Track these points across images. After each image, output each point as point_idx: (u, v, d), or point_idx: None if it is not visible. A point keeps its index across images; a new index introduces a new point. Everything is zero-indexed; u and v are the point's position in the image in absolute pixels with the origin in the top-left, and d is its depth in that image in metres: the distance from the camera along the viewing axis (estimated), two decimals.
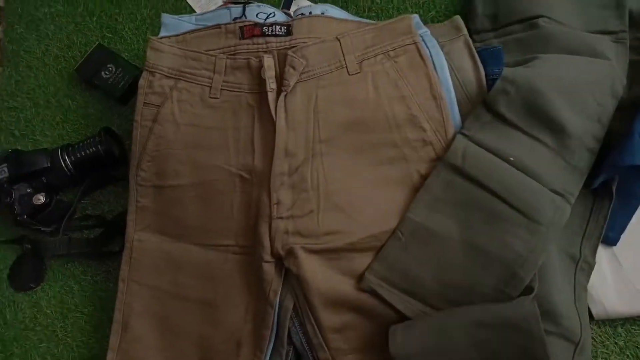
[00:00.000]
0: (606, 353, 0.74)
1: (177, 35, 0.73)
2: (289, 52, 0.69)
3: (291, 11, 0.78)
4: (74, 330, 0.81)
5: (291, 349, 0.68)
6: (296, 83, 0.69)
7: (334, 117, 0.70)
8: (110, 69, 0.85)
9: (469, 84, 0.74)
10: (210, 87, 0.71)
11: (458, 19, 0.81)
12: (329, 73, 0.70)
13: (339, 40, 0.70)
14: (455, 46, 0.76)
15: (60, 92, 0.90)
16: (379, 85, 0.70)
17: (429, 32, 0.75)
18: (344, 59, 0.71)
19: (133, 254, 0.71)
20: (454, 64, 0.75)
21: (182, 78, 0.72)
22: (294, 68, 0.68)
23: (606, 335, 0.74)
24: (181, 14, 0.88)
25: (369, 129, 0.69)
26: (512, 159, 0.65)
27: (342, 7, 0.78)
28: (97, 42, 0.89)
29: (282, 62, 0.69)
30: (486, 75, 0.75)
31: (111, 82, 0.85)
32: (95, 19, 0.92)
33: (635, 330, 0.74)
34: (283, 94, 0.68)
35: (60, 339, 0.81)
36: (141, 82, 0.72)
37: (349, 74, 0.70)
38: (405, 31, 0.72)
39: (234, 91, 0.71)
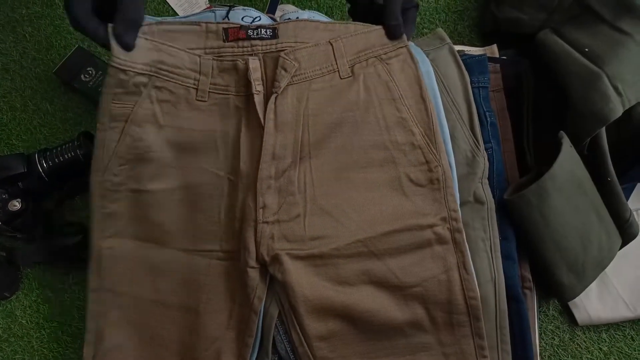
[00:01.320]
0: (590, 358, 0.74)
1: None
2: (281, 54, 0.68)
3: (276, 16, 0.77)
4: (51, 341, 0.79)
5: (276, 357, 0.67)
6: (287, 85, 0.68)
7: (324, 120, 0.69)
8: (90, 72, 0.84)
9: (455, 91, 0.74)
10: (197, 89, 0.70)
11: (441, 30, 0.82)
12: (321, 76, 0.70)
13: (331, 44, 0.70)
14: (440, 54, 0.77)
15: (38, 95, 0.88)
16: (370, 86, 0.70)
17: (412, 43, 0.75)
18: (336, 63, 0.70)
19: (103, 263, 0.68)
20: (440, 71, 0.75)
21: (157, 75, 0.68)
22: (285, 70, 0.68)
23: (590, 340, 0.75)
24: (163, 16, 0.86)
25: (358, 130, 0.69)
26: (586, 50, 0.69)
27: (327, 14, 0.77)
28: (76, 45, 0.87)
29: (268, 65, 0.69)
30: (471, 82, 0.76)
31: (91, 86, 0.84)
32: None
33: (618, 335, 0.75)
34: (274, 95, 0.67)
35: (35, 350, 0.78)
36: (108, 79, 0.67)
37: (341, 78, 0.70)
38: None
39: (222, 94, 0.69)
